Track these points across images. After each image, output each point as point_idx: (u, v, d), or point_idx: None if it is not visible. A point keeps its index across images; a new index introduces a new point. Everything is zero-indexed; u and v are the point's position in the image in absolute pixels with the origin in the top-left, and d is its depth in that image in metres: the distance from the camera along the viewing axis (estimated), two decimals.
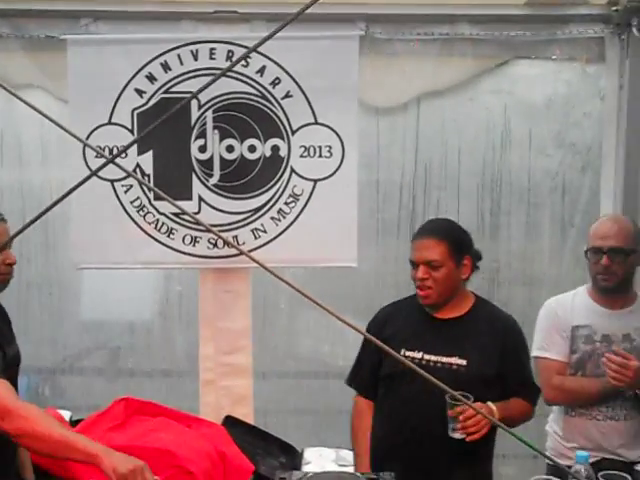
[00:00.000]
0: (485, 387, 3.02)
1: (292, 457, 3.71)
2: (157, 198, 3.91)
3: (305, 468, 3.70)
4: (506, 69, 4.35)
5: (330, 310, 1.29)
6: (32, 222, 1.39)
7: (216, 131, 3.91)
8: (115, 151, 3.83)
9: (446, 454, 2.98)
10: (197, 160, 3.92)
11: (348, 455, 3.88)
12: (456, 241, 3.15)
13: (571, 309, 3.46)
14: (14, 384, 2.81)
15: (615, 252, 3.31)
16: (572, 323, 3.42)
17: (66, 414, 4.20)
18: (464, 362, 3.08)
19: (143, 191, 3.92)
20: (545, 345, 3.46)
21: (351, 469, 2.62)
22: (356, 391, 3.41)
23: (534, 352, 3.45)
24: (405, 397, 3.13)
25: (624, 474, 2.57)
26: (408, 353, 3.11)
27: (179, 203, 3.86)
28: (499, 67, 4.33)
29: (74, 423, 4.10)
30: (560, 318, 3.45)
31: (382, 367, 3.24)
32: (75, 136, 1.36)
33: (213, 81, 1.34)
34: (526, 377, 3.23)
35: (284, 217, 3.95)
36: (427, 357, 3.10)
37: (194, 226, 3.89)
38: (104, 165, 1.40)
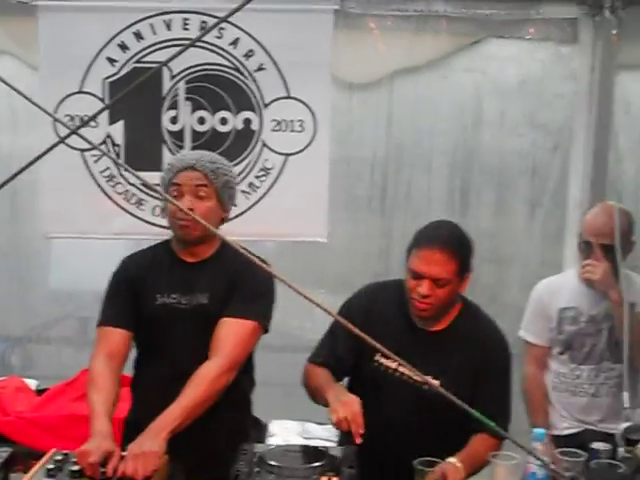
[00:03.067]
0: (453, 411, 2.79)
1: (257, 430, 3.73)
2: (127, 169, 3.89)
3: (270, 440, 3.73)
4: (480, 48, 4.35)
5: (303, 292, 1.29)
6: None
7: (188, 102, 3.89)
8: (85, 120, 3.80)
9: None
10: (168, 131, 3.90)
11: (314, 428, 3.92)
12: (466, 258, 2.78)
13: (558, 292, 3.51)
14: None
15: (607, 249, 3.31)
16: (559, 306, 3.48)
17: (33, 383, 4.21)
18: (437, 383, 2.66)
19: (113, 161, 3.90)
20: (527, 327, 3.55)
21: (316, 442, 2.64)
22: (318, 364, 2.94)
23: (519, 332, 3.56)
24: (378, 408, 2.77)
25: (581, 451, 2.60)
26: (383, 360, 2.81)
27: (149, 174, 3.87)
28: (473, 45, 4.33)
29: (40, 392, 4.10)
30: (545, 303, 3.51)
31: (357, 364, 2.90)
32: (41, 107, 1.35)
33: (183, 50, 1.33)
34: (496, 409, 2.67)
35: (255, 191, 3.95)
36: (402, 369, 2.79)
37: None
38: (70, 134, 1.38)
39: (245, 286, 2.77)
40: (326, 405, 2.64)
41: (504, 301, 4.53)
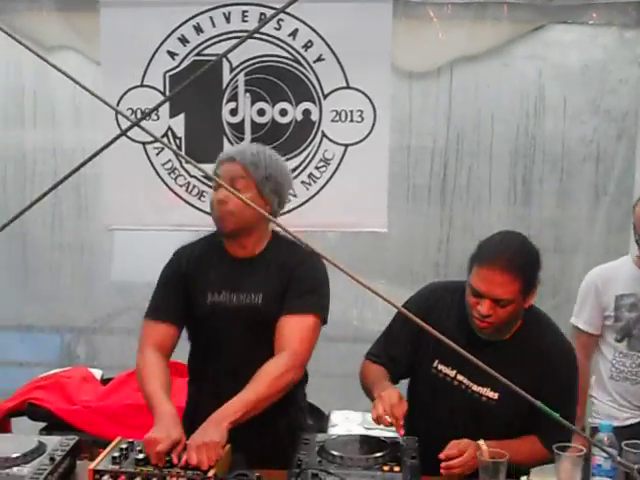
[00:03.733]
0: (511, 425, 2.70)
1: (319, 420, 3.75)
2: (188, 161, 3.93)
3: (331, 430, 3.74)
4: (541, 34, 4.28)
5: (362, 281, 1.28)
6: (62, 181, 1.40)
7: (248, 94, 3.91)
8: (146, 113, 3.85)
9: None
10: (228, 123, 3.92)
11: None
12: (531, 276, 2.62)
13: (614, 279, 3.47)
14: None
15: None
16: (615, 292, 3.44)
17: (97, 373, 4.29)
18: (496, 396, 2.69)
19: (175, 154, 3.94)
20: (578, 314, 3.54)
21: (378, 432, 2.63)
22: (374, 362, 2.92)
23: (571, 319, 3.54)
24: (433, 415, 2.78)
25: None
26: (441, 367, 2.74)
27: (210, 166, 3.89)
28: (534, 32, 4.27)
29: (105, 381, 4.17)
30: (599, 290, 3.47)
31: (415, 368, 2.86)
32: (103, 100, 1.36)
33: (241, 42, 1.33)
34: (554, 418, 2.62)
35: (315, 181, 3.95)
36: (460, 378, 2.71)
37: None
38: (131, 127, 1.40)
39: (300, 280, 2.75)
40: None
41: (568, 291, 4.46)
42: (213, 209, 2.77)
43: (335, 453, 2.44)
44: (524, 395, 1.36)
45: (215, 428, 2.40)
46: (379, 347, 2.91)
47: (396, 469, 2.35)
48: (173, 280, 2.86)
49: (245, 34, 3.78)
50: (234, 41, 3.80)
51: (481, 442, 2.46)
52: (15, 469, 2.34)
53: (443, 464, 2.43)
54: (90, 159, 1.40)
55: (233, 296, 2.77)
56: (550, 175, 4.44)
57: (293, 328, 2.69)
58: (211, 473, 2.27)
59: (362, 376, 2.88)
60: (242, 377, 2.59)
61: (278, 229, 2.82)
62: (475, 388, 2.70)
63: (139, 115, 3.84)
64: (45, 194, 1.37)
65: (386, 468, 2.36)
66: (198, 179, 3.95)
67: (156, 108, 3.66)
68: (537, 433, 2.65)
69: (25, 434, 3.53)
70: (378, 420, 2.46)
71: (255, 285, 2.77)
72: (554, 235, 4.48)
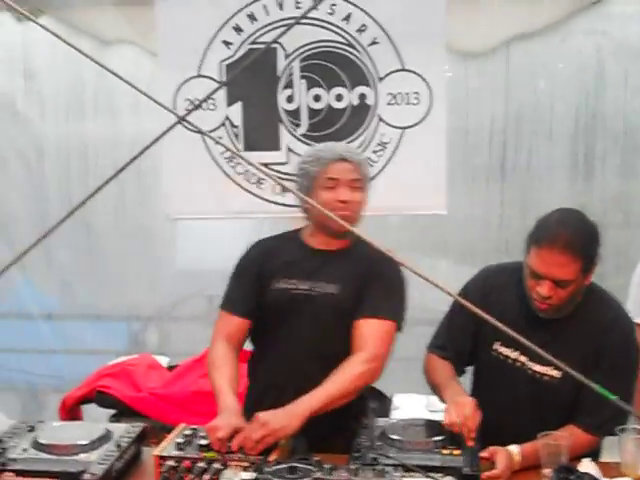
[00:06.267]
0: (569, 404, 2.64)
1: (382, 403, 3.76)
2: (246, 149, 3.96)
3: (394, 414, 3.75)
4: (600, 8, 4.20)
5: (421, 274, 1.28)
6: (122, 169, 1.43)
7: (303, 80, 3.92)
8: (205, 103, 3.89)
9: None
10: (285, 110, 3.94)
11: (438, 402, 3.91)
12: (592, 254, 2.55)
13: None
14: None
15: None
16: None
17: (164, 360, 4.36)
18: (558, 374, 2.63)
19: (232, 142, 3.97)
20: (633, 307, 3.15)
21: (440, 415, 2.63)
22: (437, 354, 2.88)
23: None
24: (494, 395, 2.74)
25: None
26: (502, 349, 2.71)
27: (268, 153, 3.93)
28: (593, 6, 4.19)
29: (172, 369, 4.25)
30: None
31: (476, 352, 2.83)
32: (148, 95, 1.39)
33: (292, 25, 1.35)
34: (601, 400, 2.51)
35: (372, 165, 3.94)
36: (522, 359, 2.68)
37: (283, 176, 3.91)
38: (187, 114, 1.42)
39: (381, 283, 2.75)
40: (444, 402, 2.63)
41: (635, 267, 4.39)
42: (332, 207, 2.67)
43: (395, 437, 2.45)
44: (575, 375, 1.34)
45: (289, 415, 2.44)
46: (443, 338, 2.88)
47: (456, 452, 2.36)
48: (248, 272, 2.87)
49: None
50: None
51: (513, 447, 2.47)
52: (82, 455, 2.40)
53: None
54: (147, 148, 1.43)
55: (307, 284, 2.77)
56: (612, 151, 4.36)
57: (372, 330, 2.69)
58: (272, 458, 2.30)
59: (428, 371, 2.85)
60: (304, 371, 2.65)
61: None
62: (537, 368, 2.67)
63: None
64: (107, 182, 1.41)
65: (446, 452, 2.37)
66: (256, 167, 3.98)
67: (211, 95, 3.72)
68: (580, 415, 2.59)
69: (95, 421, 3.62)
70: (450, 427, 2.44)
71: (333, 276, 2.77)
72: (619, 211, 4.41)
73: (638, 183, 4.43)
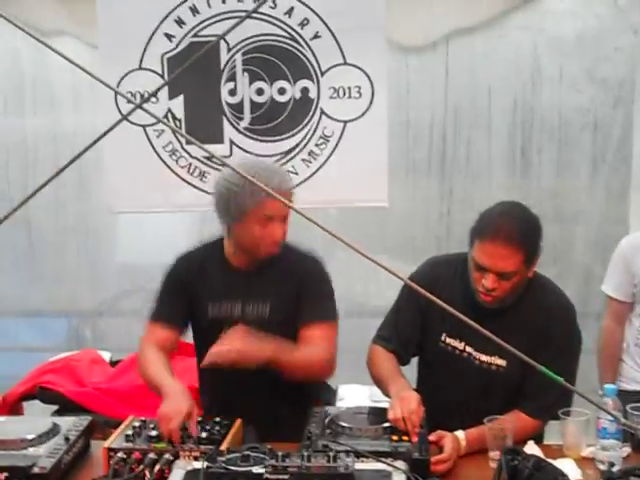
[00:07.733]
0: (518, 392, 2.71)
1: (327, 394, 3.79)
2: (189, 142, 3.95)
3: (339, 404, 3.79)
4: (535, 4, 4.30)
5: (369, 256, 1.31)
6: (64, 168, 1.42)
7: (246, 74, 3.92)
8: (146, 96, 3.86)
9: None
10: (227, 104, 3.94)
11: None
12: (534, 246, 2.62)
13: None
14: None
15: None
16: None
17: (106, 355, 4.33)
18: (504, 363, 2.71)
19: (175, 135, 3.95)
20: (608, 281, 3.51)
21: (384, 405, 2.67)
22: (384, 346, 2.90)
23: (602, 286, 3.54)
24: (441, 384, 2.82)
25: None
26: (449, 340, 2.76)
27: (211, 147, 3.92)
28: (528, 2, 4.28)
29: (114, 364, 4.22)
30: (628, 258, 3.44)
31: (423, 344, 2.88)
32: (104, 83, 1.39)
33: (239, 22, 1.36)
34: (544, 386, 2.54)
35: (315, 159, 3.97)
36: (468, 350, 2.74)
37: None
38: (133, 110, 1.42)
39: (315, 289, 2.78)
40: (389, 397, 2.66)
41: (569, 260, 4.51)
42: (260, 243, 2.69)
43: (344, 424, 2.49)
44: (523, 357, 1.39)
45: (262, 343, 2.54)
46: (389, 330, 2.91)
47: (405, 438, 2.40)
48: (175, 287, 2.85)
49: (241, 14, 3.77)
50: (230, 21, 3.82)
51: (459, 433, 2.54)
52: (31, 449, 2.39)
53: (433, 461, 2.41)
54: (92, 144, 1.42)
55: (237, 308, 2.78)
56: (548, 145, 4.47)
57: (317, 333, 2.72)
58: (223, 447, 2.31)
59: (371, 363, 2.87)
60: (251, 391, 2.68)
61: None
62: (483, 358, 2.73)
63: (138, 98, 3.85)
64: (48, 182, 1.40)
65: (395, 438, 2.41)
66: (199, 160, 3.97)
67: (157, 91, 3.69)
68: (525, 401, 2.67)
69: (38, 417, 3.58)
70: (395, 422, 2.46)
71: (263, 295, 2.77)
72: (554, 204, 4.51)
73: (572, 177, 4.53)
